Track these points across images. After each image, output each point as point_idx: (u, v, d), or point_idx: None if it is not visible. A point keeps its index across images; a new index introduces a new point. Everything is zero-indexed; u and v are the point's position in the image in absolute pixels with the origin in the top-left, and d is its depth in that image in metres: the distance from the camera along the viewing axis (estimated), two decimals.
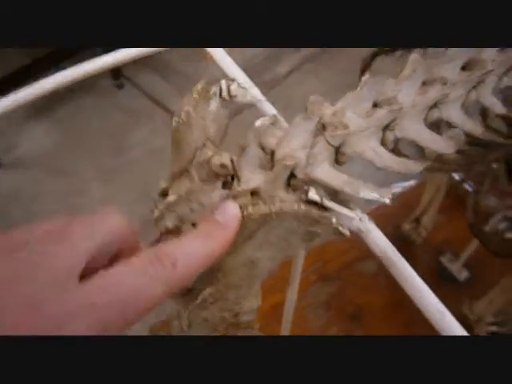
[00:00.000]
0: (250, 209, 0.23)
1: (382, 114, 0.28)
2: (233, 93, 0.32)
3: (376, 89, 0.27)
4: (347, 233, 0.25)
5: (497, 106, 0.34)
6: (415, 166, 0.30)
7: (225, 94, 0.32)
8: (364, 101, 0.28)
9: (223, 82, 0.32)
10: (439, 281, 0.87)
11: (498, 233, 0.54)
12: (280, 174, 0.27)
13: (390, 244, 0.28)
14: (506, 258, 0.54)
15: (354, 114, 0.28)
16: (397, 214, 0.85)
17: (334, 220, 0.24)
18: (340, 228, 0.25)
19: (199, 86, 0.29)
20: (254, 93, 0.36)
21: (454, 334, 0.24)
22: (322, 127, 0.28)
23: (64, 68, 0.38)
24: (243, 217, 0.23)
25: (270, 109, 0.36)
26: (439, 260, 0.91)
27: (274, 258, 0.27)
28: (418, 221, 0.83)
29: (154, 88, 1.40)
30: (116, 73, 1.37)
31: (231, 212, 0.24)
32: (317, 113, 0.28)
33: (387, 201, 0.28)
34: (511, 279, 0.66)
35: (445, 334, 0.25)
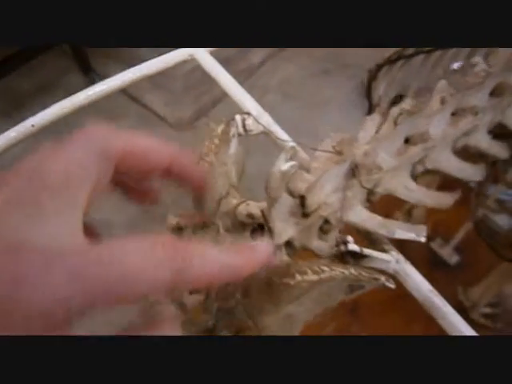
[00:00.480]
0: (299, 277, 0.22)
1: (415, 151, 0.26)
2: (248, 128, 0.30)
3: (409, 127, 0.26)
4: (393, 286, 0.24)
5: None
6: (447, 199, 0.29)
7: (241, 130, 0.29)
8: (397, 140, 0.26)
9: (238, 118, 0.29)
10: (430, 266, 0.89)
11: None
12: (315, 224, 0.26)
13: (429, 286, 0.27)
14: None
15: (386, 154, 0.26)
16: (389, 205, 0.85)
17: (383, 278, 0.23)
18: (387, 283, 0.24)
19: (219, 130, 0.26)
20: (266, 120, 0.34)
21: None
22: (355, 168, 0.26)
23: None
24: (289, 284, 0.22)
25: (282, 135, 0.34)
26: (429, 246, 0.92)
27: (313, 310, 0.26)
28: (409, 212, 0.83)
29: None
30: (85, 68, 1.30)
31: (265, 246, 0.22)
32: (347, 153, 0.26)
33: (423, 239, 0.27)
34: (509, 265, 0.68)
35: None
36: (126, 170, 0.20)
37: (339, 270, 0.21)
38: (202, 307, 0.27)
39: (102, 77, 1.42)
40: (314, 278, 0.21)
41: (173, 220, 0.35)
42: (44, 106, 0.35)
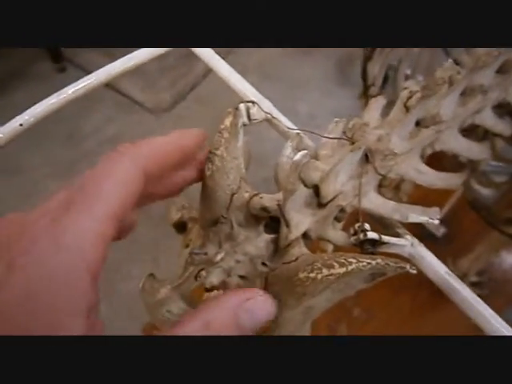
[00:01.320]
0: (325, 271, 0.21)
1: (427, 134, 0.26)
2: (253, 116, 0.29)
3: (421, 110, 0.25)
4: (415, 271, 0.24)
5: None
6: (456, 179, 0.29)
7: (245, 119, 0.28)
8: (409, 123, 0.26)
9: (243, 107, 0.28)
10: (421, 239, 0.90)
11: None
12: (331, 214, 0.25)
13: (445, 268, 0.27)
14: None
15: (398, 138, 0.26)
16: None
17: (408, 266, 0.23)
18: (411, 270, 0.24)
19: (228, 122, 0.25)
20: (267, 106, 0.33)
21: None
22: (369, 154, 0.26)
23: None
24: (316, 279, 0.21)
25: (285, 121, 0.33)
26: None
27: (332, 299, 0.26)
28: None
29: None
30: (55, 55, 1.25)
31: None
32: (360, 139, 0.26)
33: (436, 222, 0.27)
34: (495, 236, 0.70)
35: None
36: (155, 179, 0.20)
37: (366, 261, 0.21)
38: None
39: (74, 63, 1.35)
40: (342, 270, 0.21)
41: (175, 215, 0.34)
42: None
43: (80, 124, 1.22)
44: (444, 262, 0.93)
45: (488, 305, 0.26)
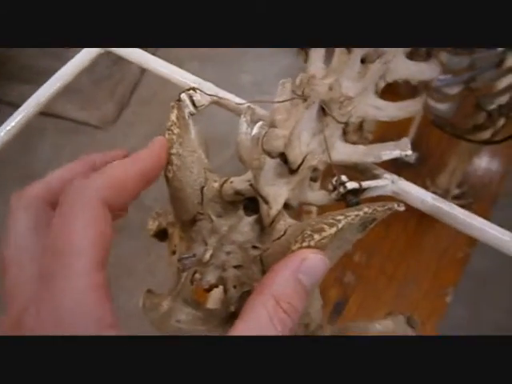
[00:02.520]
0: (317, 236, 0.20)
1: (375, 68, 0.25)
2: (198, 103, 0.28)
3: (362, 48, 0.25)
4: (403, 208, 0.24)
5: None
6: (415, 105, 0.28)
7: (191, 108, 0.27)
8: (355, 64, 0.25)
9: (185, 97, 0.27)
10: (397, 170, 0.91)
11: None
12: (305, 177, 0.25)
13: (430, 194, 0.27)
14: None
15: (349, 81, 0.25)
16: None
17: (396, 205, 0.22)
18: (398, 208, 0.23)
19: (174, 117, 0.24)
20: (209, 88, 0.31)
21: None
22: (325, 106, 0.25)
23: None
24: (310, 247, 0.21)
25: (233, 98, 0.31)
26: None
27: (333, 258, 0.25)
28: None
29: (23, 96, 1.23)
30: None
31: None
32: (311, 94, 0.25)
33: (409, 152, 0.27)
34: (465, 146, 0.71)
35: None
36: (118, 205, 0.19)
37: (354, 214, 0.21)
38: (222, 301, 0.26)
39: (6, 103, 1.27)
40: (333, 231, 0.20)
41: (153, 225, 0.32)
42: None
43: (29, 162, 1.17)
44: (423, 183, 0.95)
45: (474, 212, 0.26)
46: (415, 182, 0.28)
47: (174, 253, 0.28)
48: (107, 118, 1.24)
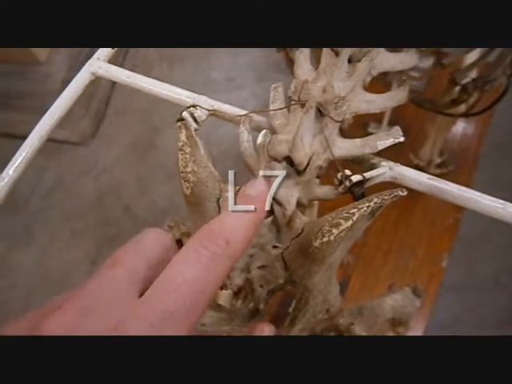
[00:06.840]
0: (335, 231, 0.22)
1: (363, 66, 0.27)
2: (199, 118, 0.29)
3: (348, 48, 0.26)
4: (405, 192, 0.26)
5: None
6: (402, 93, 0.30)
7: (194, 124, 0.29)
8: (343, 64, 0.27)
9: (187, 115, 0.28)
10: (381, 151, 0.94)
11: None
12: (312, 176, 0.26)
13: (426, 175, 0.29)
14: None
15: (340, 82, 0.27)
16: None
17: (400, 191, 0.24)
18: (401, 193, 0.25)
19: (184, 137, 0.25)
20: (205, 101, 0.33)
21: None
22: (322, 108, 0.26)
23: None
24: (329, 241, 0.23)
25: (229, 108, 0.33)
26: (368, 132, 0.97)
27: (346, 248, 0.27)
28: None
29: (14, 124, 1.21)
30: None
31: (260, 187, 0.23)
32: (307, 98, 0.26)
33: (402, 139, 0.29)
34: (443, 118, 0.74)
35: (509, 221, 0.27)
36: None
37: (366, 206, 0.23)
38: (249, 301, 0.28)
39: (3, 134, 1.23)
40: (349, 224, 0.22)
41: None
42: None
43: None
44: (407, 157, 0.97)
45: (459, 177, 0.28)
46: (399, 158, 0.29)
47: None
48: (86, 133, 1.23)
